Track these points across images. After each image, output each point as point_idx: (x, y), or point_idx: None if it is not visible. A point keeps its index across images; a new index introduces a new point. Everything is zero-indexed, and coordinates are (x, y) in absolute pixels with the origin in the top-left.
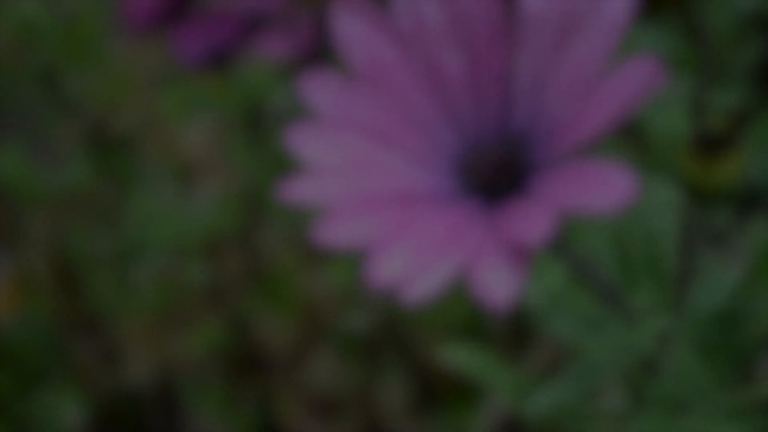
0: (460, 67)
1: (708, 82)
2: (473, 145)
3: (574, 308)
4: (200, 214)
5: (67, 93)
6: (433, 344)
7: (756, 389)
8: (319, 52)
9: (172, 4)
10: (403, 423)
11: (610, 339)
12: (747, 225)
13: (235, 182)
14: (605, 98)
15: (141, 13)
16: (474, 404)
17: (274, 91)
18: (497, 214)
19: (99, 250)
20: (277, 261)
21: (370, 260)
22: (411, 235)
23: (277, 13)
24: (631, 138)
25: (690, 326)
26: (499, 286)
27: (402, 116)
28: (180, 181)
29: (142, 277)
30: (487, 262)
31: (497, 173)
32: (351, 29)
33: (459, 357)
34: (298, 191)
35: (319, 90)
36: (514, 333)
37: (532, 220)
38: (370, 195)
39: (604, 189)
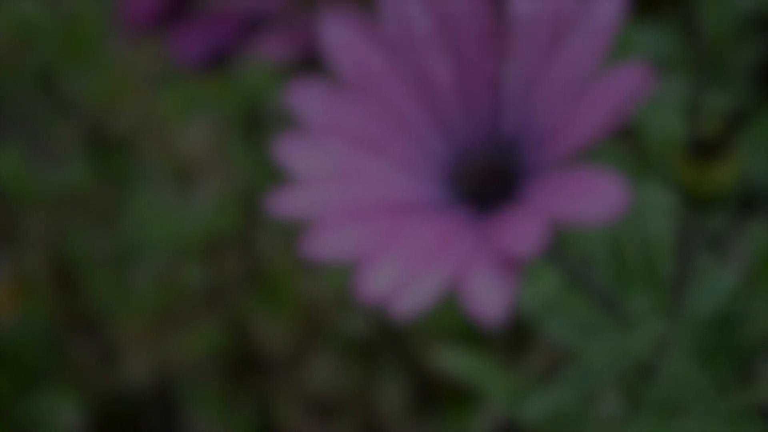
0: (449, 73)
1: (704, 84)
2: (463, 152)
3: (570, 313)
4: (199, 214)
5: (66, 93)
6: (431, 346)
7: (754, 392)
8: (319, 52)
9: (172, 4)
10: (401, 425)
11: (607, 343)
12: (746, 227)
13: (234, 183)
14: (596, 103)
15: (140, 14)
16: (472, 406)
17: (273, 91)
18: (488, 222)
19: (97, 251)
20: (276, 262)
21: (359, 272)
22: (401, 244)
23: (276, 14)
24: (626, 140)
25: (688, 329)
26: (489, 297)
27: (391, 124)
28: (179, 182)
29: (140, 277)
30: (478, 273)
31: (488, 180)
32: (338, 37)
33: (455, 361)
34: (287, 203)
35: (307, 99)
36: (511, 336)
37: (523, 230)
38: (360, 204)
39: (596, 197)
